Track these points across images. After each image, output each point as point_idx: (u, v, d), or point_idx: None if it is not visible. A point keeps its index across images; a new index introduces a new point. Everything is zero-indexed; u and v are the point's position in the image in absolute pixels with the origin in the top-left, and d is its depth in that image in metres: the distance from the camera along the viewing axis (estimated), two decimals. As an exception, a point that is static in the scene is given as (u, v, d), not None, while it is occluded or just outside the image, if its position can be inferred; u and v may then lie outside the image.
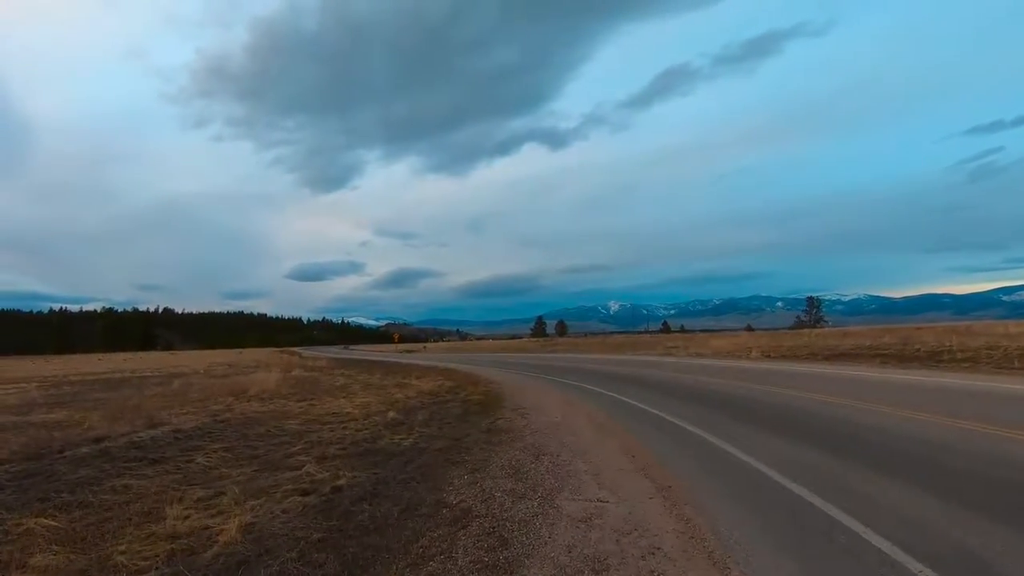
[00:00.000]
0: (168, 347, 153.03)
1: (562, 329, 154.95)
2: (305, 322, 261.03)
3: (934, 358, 17.24)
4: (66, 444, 8.59)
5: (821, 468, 5.35)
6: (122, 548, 4.13)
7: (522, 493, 5.08)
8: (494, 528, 4.21)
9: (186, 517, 4.79)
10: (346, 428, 9.32)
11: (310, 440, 8.37)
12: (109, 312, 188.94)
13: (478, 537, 4.05)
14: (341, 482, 5.78)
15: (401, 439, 8.13)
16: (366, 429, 9.15)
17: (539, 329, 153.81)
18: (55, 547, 4.23)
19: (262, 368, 27.67)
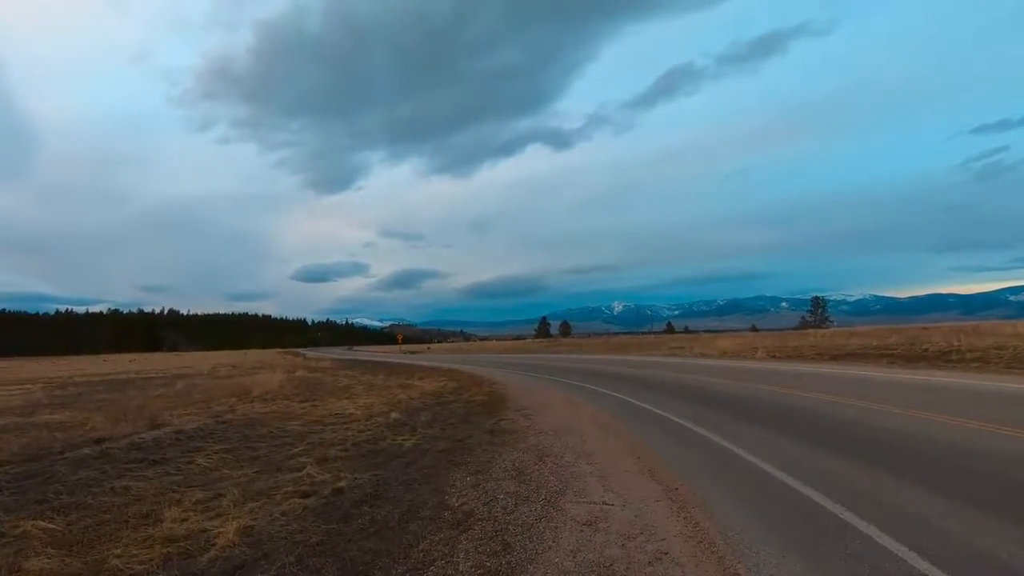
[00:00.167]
0: (173, 348, 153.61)
1: (566, 330, 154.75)
2: (309, 323, 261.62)
3: (943, 358, 17.05)
4: (67, 445, 8.54)
5: (832, 470, 5.22)
6: (118, 552, 4.05)
7: (525, 496, 4.97)
8: (497, 532, 4.10)
9: (184, 519, 4.72)
10: (348, 429, 9.24)
11: (312, 441, 8.30)
12: (115, 313, 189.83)
13: (480, 541, 3.95)
14: (342, 484, 5.69)
15: (403, 440, 8.05)
16: (368, 430, 9.07)
17: (543, 330, 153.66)
18: (51, 550, 4.16)
19: (266, 369, 27.65)
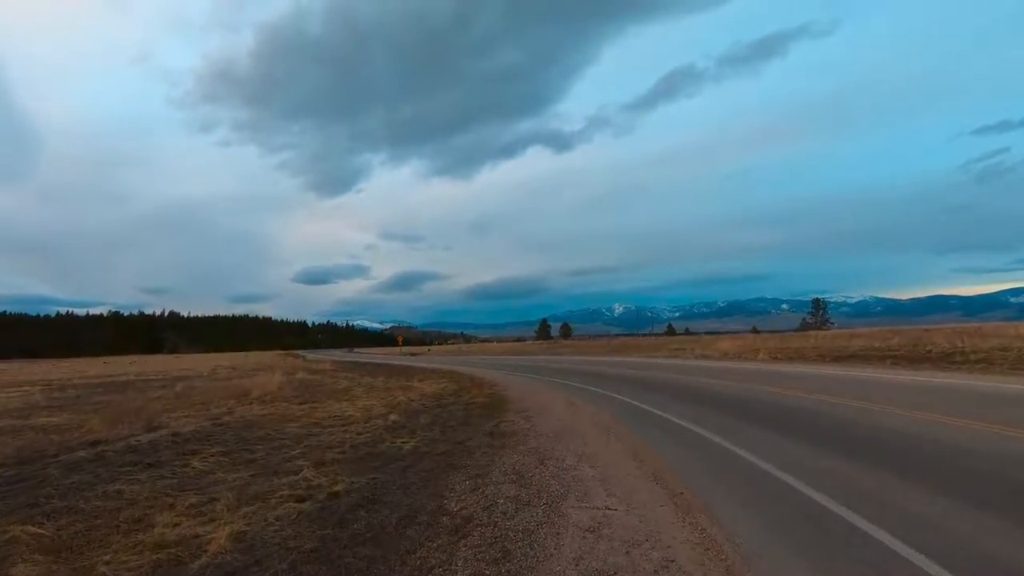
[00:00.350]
0: (174, 350, 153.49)
1: (566, 331, 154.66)
2: (310, 325, 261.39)
3: (946, 359, 16.91)
4: (62, 448, 8.44)
5: (836, 472, 5.10)
6: (107, 558, 3.94)
7: (526, 500, 4.84)
8: (496, 538, 3.97)
9: (176, 525, 4.60)
10: (347, 432, 9.13)
11: (309, 444, 8.18)
12: (115, 315, 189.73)
13: (479, 548, 3.81)
14: (339, 488, 5.57)
15: (402, 443, 7.93)
16: (367, 432, 8.95)
17: (543, 331, 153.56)
18: (38, 556, 4.05)
19: (265, 371, 27.54)
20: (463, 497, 5.06)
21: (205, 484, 6.05)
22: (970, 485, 4.52)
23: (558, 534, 3.99)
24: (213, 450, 7.93)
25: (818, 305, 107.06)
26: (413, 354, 71.20)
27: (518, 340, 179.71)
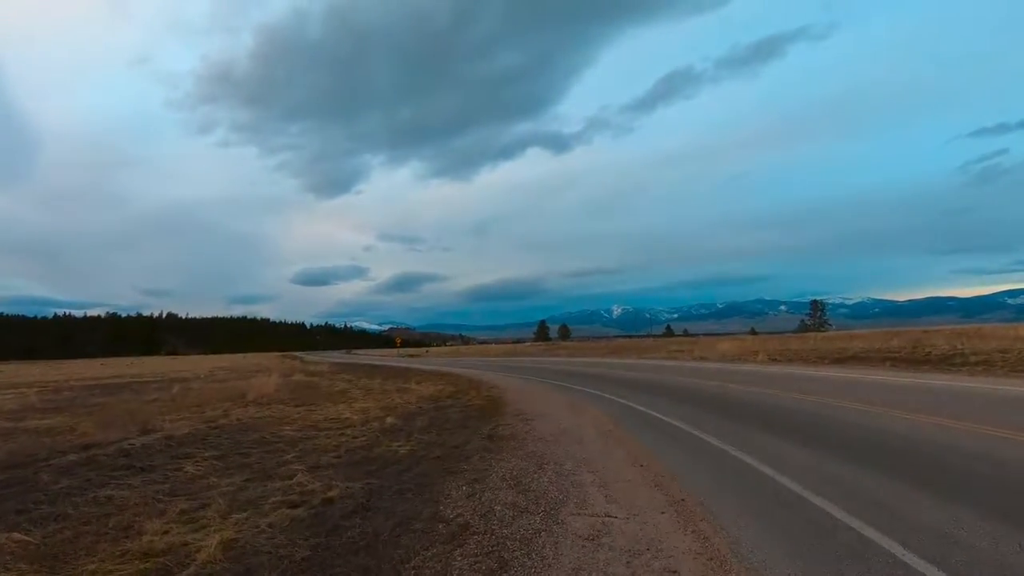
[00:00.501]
0: (172, 352, 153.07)
1: (565, 333, 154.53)
2: (308, 327, 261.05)
3: (947, 361, 16.84)
4: (53, 452, 8.32)
5: (842, 478, 4.99)
6: (92, 568, 3.83)
7: (524, 507, 4.73)
8: (493, 547, 3.85)
9: (166, 532, 4.49)
10: (343, 435, 9.01)
11: (305, 447, 8.07)
12: (113, 317, 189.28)
13: (475, 557, 3.70)
14: (333, 493, 5.46)
15: (399, 446, 7.82)
16: (363, 436, 8.84)
17: (542, 333, 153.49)
18: (23, 565, 3.94)
19: (262, 373, 27.38)
20: (459, 503, 4.95)
21: (197, 489, 5.94)
22: (996, 496, 4.34)
23: (556, 543, 3.87)
24: (207, 454, 7.82)
25: (816, 307, 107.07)
26: (411, 356, 71.06)
27: (516, 342, 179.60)
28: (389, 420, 10.29)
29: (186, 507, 5.18)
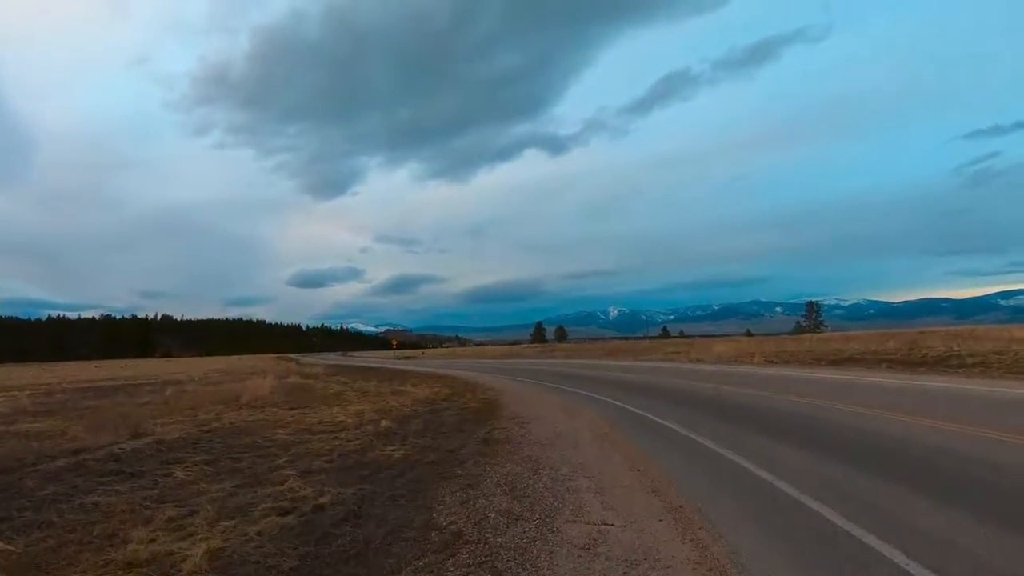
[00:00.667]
0: (167, 354, 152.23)
1: (561, 335, 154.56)
2: (304, 329, 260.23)
3: (943, 363, 16.83)
4: (41, 456, 8.17)
5: (841, 483, 4.91)
6: (74, 579, 3.72)
7: (518, 514, 4.63)
8: (486, 556, 3.75)
9: (151, 540, 4.38)
10: (337, 439, 8.90)
11: (297, 452, 7.96)
12: (108, 319, 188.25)
13: (468, 568, 3.59)
14: (324, 500, 5.36)
15: (393, 450, 7.71)
16: (357, 439, 8.73)
17: (538, 335, 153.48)
18: (2, 575, 3.83)
19: (258, 375, 27.19)
20: (453, 510, 4.86)
21: (186, 495, 5.83)
22: (1000, 502, 4.25)
23: (551, 552, 3.77)
24: (198, 458, 7.70)
25: (812, 308, 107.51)
26: (407, 358, 70.86)
27: (513, 343, 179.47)
28: (384, 423, 10.18)
29: (174, 514, 5.08)
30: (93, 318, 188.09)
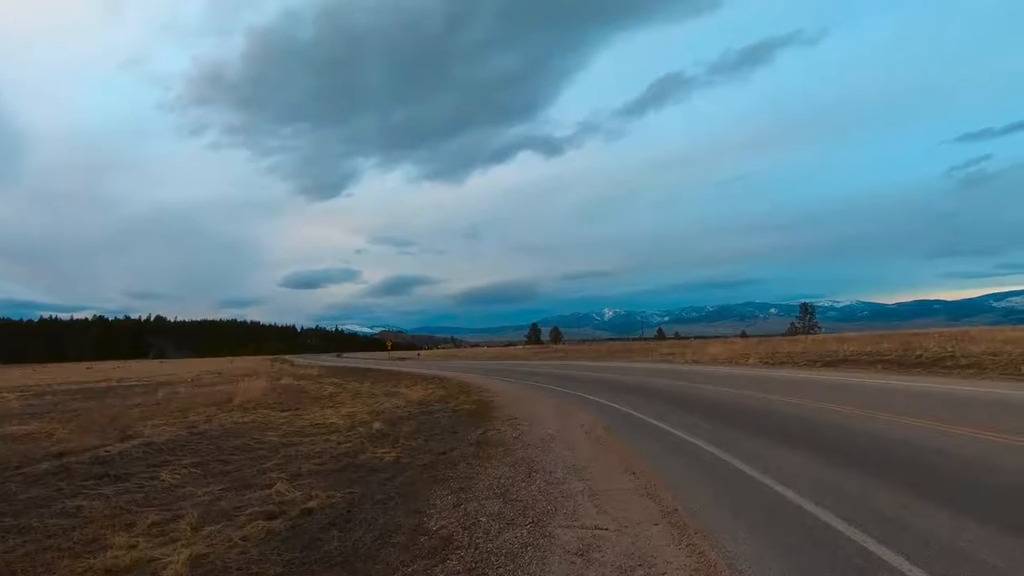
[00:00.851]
0: (160, 355, 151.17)
1: (556, 336, 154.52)
2: (299, 330, 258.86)
3: (938, 364, 16.84)
4: (26, 459, 8.00)
5: (844, 487, 4.82)
6: (49, 587, 3.60)
7: (511, 518, 4.52)
8: (477, 562, 3.64)
9: (132, 546, 4.26)
10: (328, 441, 8.78)
11: (287, 454, 7.83)
12: (100, 320, 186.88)
13: (457, 574, 3.49)
14: (312, 503, 5.24)
15: (384, 453, 7.59)
16: (349, 442, 8.61)
17: (533, 336, 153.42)
18: (-23, 584, 3.71)
19: (251, 376, 26.97)
20: (444, 514, 4.75)
21: (172, 499, 5.70)
22: (1001, 505, 4.18)
23: (544, 558, 3.67)
24: (186, 461, 7.56)
25: (806, 309, 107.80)
26: (402, 359, 70.66)
27: (508, 345, 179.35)
28: (376, 425, 10.06)
29: (157, 519, 4.95)
30: (86, 319, 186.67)
